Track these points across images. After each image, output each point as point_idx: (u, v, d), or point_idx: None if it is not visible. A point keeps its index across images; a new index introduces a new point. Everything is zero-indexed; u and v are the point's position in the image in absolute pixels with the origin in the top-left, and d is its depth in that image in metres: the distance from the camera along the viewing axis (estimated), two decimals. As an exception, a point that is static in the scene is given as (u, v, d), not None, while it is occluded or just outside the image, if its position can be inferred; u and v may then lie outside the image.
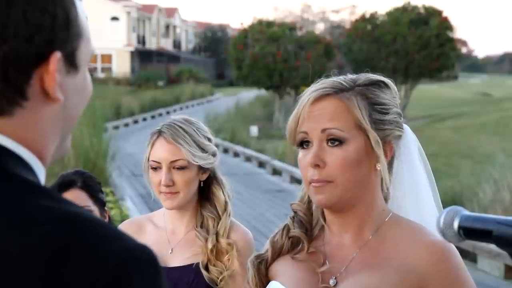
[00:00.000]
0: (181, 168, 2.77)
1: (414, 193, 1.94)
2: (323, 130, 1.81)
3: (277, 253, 1.97)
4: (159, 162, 2.78)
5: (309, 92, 1.85)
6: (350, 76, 1.89)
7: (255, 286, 1.97)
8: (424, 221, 1.91)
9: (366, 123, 1.81)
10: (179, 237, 2.86)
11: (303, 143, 1.85)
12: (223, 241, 2.78)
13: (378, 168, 1.84)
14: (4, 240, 1.05)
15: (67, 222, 1.07)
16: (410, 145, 1.94)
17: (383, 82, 1.90)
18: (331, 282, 1.86)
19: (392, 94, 1.91)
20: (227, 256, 2.77)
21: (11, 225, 1.06)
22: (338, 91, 1.83)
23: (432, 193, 1.98)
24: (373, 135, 1.82)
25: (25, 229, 1.05)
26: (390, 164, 1.90)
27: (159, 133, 2.81)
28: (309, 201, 1.95)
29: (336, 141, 1.81)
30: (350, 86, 1.85)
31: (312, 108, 1.83)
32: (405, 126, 1.93)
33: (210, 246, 2.77)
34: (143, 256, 1.07)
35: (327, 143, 1.81)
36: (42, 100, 1.14)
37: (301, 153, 1.86)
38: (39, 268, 1.03)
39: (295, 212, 1.98)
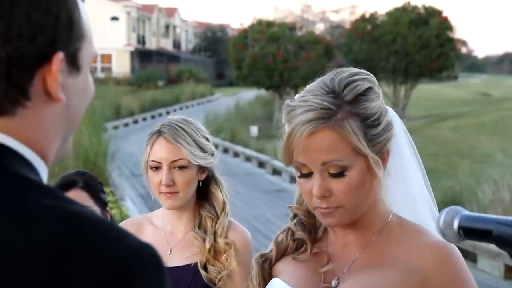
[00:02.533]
0: (182, 167, 2.78)
1: (406, 184, 1.94)
2: (323, 163, 1.78)
3: (281, 253, 1.97)
4: (159, 162, 2.78)
5: (300, 124, 1.77)
6: (333, 89, 1.80)
7: (258, 284, 1.97)
8: (418, 213, 1.92)
9: (364, 147, 1.78)
10: (178, 238, 2.86)
11: (302, 171, 1.82)
12: (220, 241, 2.78)
13: (380, 179, 1.83)
14: (7, 239, 1.05)
15: (71, 221, 1.07)
16: (398, 132, 1.91)
17: (367, 89, 1.83)
18: (333, 282, 1.87)
19: (377, 93, 1.85)
20: (225, 255, 2.77)
21: (15, 225, 1.06)
22: (329, 118, 1.76)
23: (423, 179, 1.98)
24: (372, 156, 1.78)
25: (29, 229, 1.06)
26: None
27: (159, 133, 2.81)
28: None
29: (339, 170, 1.78)
30: (337, 107, 1.77)
31: (306, 141, 1.77)
32: (390, 110, 1.88)
33: (208, 246, 2.77)
34: (146, 255, 1.08)
35: (329, 172, 1.79)
36: (44, 100, 1.14)
37: (301, 179, 1.83)
38: (43, 267, 1.04)
39: (295, 214, 1.98)
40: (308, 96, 1.81)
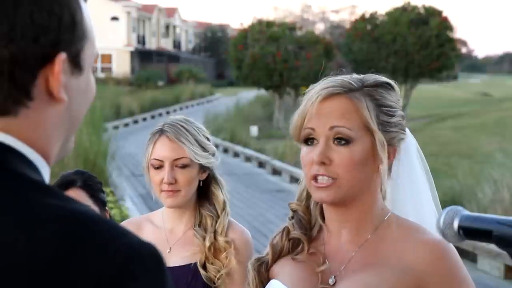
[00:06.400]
0: (184, 166, 2.79)
1: (414, 197, 1.96)
2: (331, 128, 1.81)
3: (277, 255, 1.98)
4: (161, 161, 2.79)
5: (318, 89, 1.84)
6: (356, 76, 1.90)
7: (255, 288, 1.97)
8: (424, 224, 1.92)
9: (373, 124, 1.82)
10: (177, 236, 2.87)
11: (308, 140, 1.85)
12: (221, 239, 2.79)
13: (381, 170, 1.85)
14: (10, 238, 1.06)
15: (73, 220, 1.08)
16: (410, 148, 1.96)
17: (389, 84, 1.92)
18: (330, 281, 1.87)
19: (397, 97, 1.92)
20: (224, 254, 2.78)
21: (17, 224, 1.07)
22: (348, 90, 1.84)
23: (432, 196, 1.99)
24: (379, 136, 1.83)
25: (31, 228, 1.06)
26: (389, 166, 1.90)
27: (161, 132, 2.82)
28: (307, 199, 1.96)
29: (344, 140, 1.81)
30: (358, 86, 1.85)
31: (321, 105, 1.83)
32: (406, 130, 1.95)
33: (208, 244, 2.78)
34: (147, 253, 1.09)
35: (334, 141, 1.82)
36: (46, 100, 1.15)
37: (305, 149, 1.86)
38: (45, 266, 1.04)
39: (294, 211, 1.99)
40: (330, 77, 1.89)
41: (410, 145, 1.96)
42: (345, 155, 1.81)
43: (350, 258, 1.88)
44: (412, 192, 1.95)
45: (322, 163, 1.81)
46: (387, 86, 1.90)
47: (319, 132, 1.83)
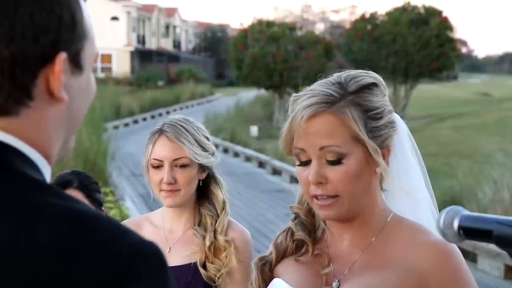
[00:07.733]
0: (183, 166, 2.80)
1: (409, 187, 1.94)
2: (321, 148, 1.79)
3: (281, 255, 1.97)
4: (161, 160, 2.80)
5: (302, 108, 1.80)
6: (338, 80, 1.84)
7: (258, 287, 1.97)
8: (419, 214, 1.92)
9: (363, 135, 1.79)
10: (177, 236, 2.87)
11: (300, 159, 1.83)
12: (220, 238, 2.79)
13: (378, 172, 1.83)
14: (12, 238, 1.06)
15: (74, 220, 1.08)
16: (402, 137, 1.93)
17: (372, 84, 1.86)
18: (334, 284, 1.86)
19: (382, 92, 1.87)
20: (224, 253, 2.78)
21: (19, 223, 1.07)
22: (331, 104, 1.80)
23: (425, 183, 1.98)
24: (371, 145, 1.80)
25: (33, 228, 1.06)
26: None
27: (161, 132, 2.82)
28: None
29: (336, 157, 1.79)
30: (341, 96, 1.81)
31: (306, 125, 1.79)
32: (396, 116, 1.90)
33: (208, 243, 2.78)
34: (150, 252, 1.09)
35: (327, 159, 1.80)
36: (47, 100, 1.15)
37: (299, 168, 1.84)
38: (46, 265, 1.05)
39: (296, 214, 1.98)
40: (314, 86, 1.85)
41: (402, 134, 1.92)
42: (341, 172, 1.79)
43: (354, 262, 1.87)
44: (406, 183, 1.93)
45: (319, 183, 1.80)
46: (370, 87, 1.85)
47: (310, 153, 1.80)
